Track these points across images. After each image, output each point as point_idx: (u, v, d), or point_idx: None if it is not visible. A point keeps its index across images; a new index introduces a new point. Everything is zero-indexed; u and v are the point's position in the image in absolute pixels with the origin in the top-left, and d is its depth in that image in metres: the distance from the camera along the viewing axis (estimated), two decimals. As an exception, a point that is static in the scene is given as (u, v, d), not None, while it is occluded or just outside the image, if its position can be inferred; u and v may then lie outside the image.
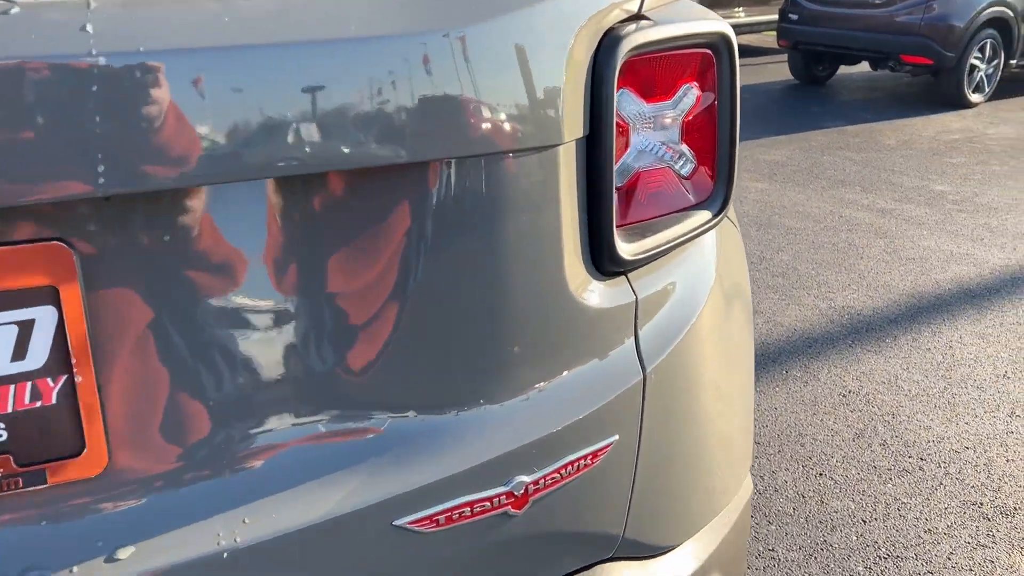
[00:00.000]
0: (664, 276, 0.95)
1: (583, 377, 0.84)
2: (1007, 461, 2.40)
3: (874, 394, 2.75)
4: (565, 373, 0.84)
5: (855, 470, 2.36)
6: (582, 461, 0.82)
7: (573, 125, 0.79)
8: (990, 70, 7.44)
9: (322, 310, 0.73)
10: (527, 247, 0.78)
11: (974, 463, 2.39)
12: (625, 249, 0.86)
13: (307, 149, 0.65)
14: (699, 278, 0.99)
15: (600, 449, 0.84)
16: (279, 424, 0.73)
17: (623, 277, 0.89)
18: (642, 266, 0.91)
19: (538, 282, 0.80)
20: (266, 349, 0.71)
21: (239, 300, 0.69)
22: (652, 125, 0.93)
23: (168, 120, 0.60)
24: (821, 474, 2.35)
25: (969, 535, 2.10)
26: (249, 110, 0.63)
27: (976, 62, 7.29)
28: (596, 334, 0.85)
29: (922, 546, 2.06)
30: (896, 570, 1.99)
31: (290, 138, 0.65)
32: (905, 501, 2.23)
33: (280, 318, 0.71)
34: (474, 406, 0.79)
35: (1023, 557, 2.02)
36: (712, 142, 0.97)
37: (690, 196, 0.97)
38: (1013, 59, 7.64)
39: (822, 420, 2.61)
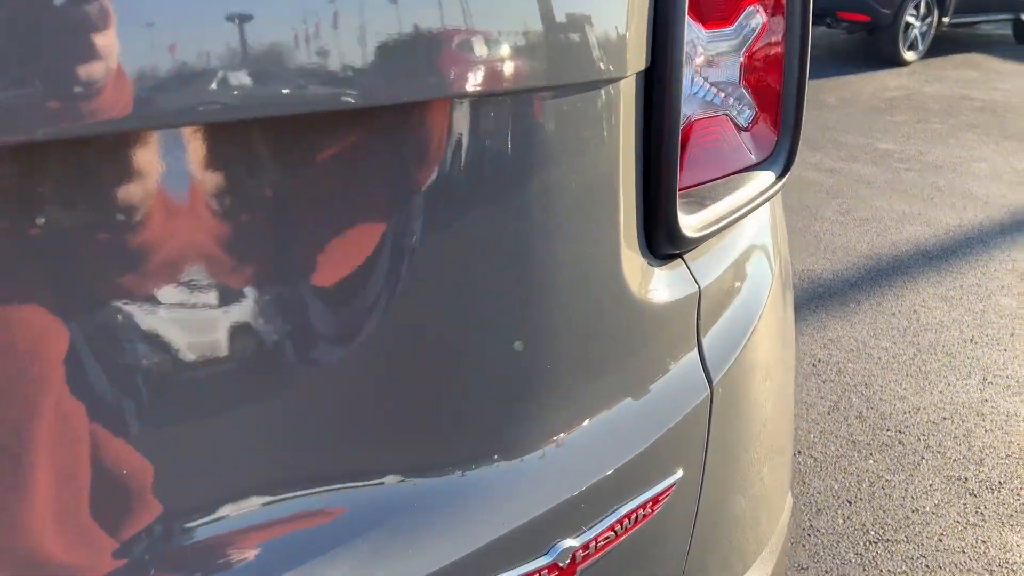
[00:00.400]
0: (720, 258, 0.73)
1: (639, 400, 0.62)
2: (986, 432, 2.30)
3: (844, 363, 2.63)
4: (618, 400, 0.61)
5: (834, 446, 2.23)
6: (641, 511, 0.61)
7: (636, 53, 0.56)
8: (924, 28, 7.45)
9: (268, 326, 0.47)
10: (572, 227, 0.55)
11: (953, 434, 2.29)
12: (687, 223, 0.64)
13: (237, 91, 0.40)
14: (759, 259, 0.78)
15: (662, 492, 0.62)
16: (199, 509, 0.48)
17: (680, 261, 0.67)
18: (700, 244, 0.69)
19: (586, 276, 0.57)
20: (184, 388, 0.46)
21: (146, 316, 0.44)
22: (709, 59, 0.71)
23: (39, 43, 0.35)
24: (800, 452, 2.21)
25: (958, 513, 1.99)
26: (155, 31, 0.38)
27: (911, 20, 7.27)
28: (656, 340, 0.63)
29: (911, 528, 1.95)
30: (888, 555, 1.87)
31: (216, 68, 0.40)
32: (889, 479, 2.11)
33: (205, 342, 0.46)
34: (486, 463, 0.56)
35: (1014, 534, 1.92)
36: (776, 83, 0.76)
37: (750, 153, 0.76)
38: (946, 17, 7.66)
39: (795, 392, 2.47)
